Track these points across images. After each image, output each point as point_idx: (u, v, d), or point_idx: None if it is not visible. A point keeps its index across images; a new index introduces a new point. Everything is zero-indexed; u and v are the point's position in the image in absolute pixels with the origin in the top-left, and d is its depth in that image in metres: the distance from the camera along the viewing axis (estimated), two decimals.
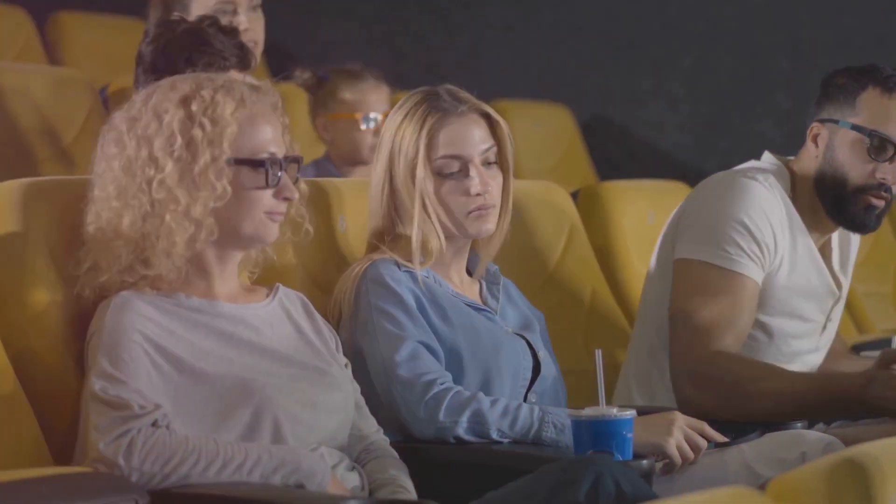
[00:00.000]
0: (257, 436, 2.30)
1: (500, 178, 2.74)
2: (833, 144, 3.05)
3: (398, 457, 2.50)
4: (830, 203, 3.05)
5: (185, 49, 3.00)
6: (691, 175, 3.89)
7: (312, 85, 4.15)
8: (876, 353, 3.01)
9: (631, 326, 3.34)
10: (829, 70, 3.12)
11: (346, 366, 2.53)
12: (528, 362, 2.74)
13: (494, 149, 2.74)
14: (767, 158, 3.14)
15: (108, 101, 3.68)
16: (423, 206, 2.68)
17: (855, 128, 3.02)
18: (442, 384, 2.57)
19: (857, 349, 3.66)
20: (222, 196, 2.34)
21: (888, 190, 3.02)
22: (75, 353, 2.37)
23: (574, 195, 3.70)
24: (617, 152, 5.84)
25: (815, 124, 3.08)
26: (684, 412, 2.64)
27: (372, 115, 4.05)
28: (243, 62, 3.05)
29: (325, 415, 2.39)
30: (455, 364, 2.65)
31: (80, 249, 2.38)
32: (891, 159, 3.01)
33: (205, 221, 2.34)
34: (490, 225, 2.72)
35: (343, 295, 2.68)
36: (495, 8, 5.95)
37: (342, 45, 5.88)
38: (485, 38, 5.95)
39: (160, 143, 2.34)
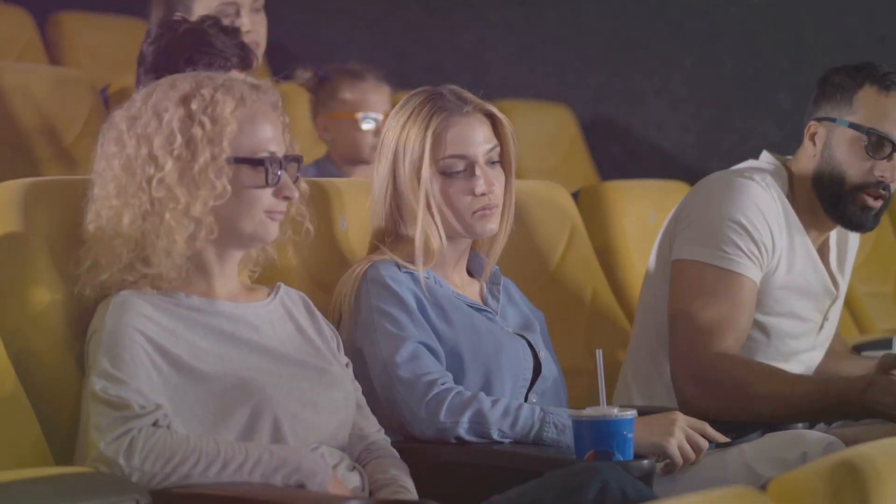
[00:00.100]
0: (256, 435, 2.30)
1: (503, 178, 2.74)
2: (831, 143, 3.05)
3: (399, 457, 2.49)
4: (828, 202, 3.05)
5: (187, 49, 3.00)
6: (693, 175, 3.88)
7: (313, 85, 4.15)
8: (877, 353, 3.02)
9: (631, 326, 3.34)
10: None
11: (347, 365, 2.53)
12: (529, 362, 2.74)
13: (498, 149, 2.74)
14: (765, 158, 3.14)
15: (109, 102, 3.69)
16: (428, 205, 2.68)
17: (852, 126, 3.02)
18: (443, 384, 2.57)
19: (858, 349, 3.66)
20: (222, 195, 2.34)
21: (886, 188, 3.02)
22: (76, 353, 2.37)
23: (575, 195, 3.70)
24: (618, 152, 5.84)
25: (812, 123, 3.08)
26: (685, 413, 2.64)
27: (372, 114, 4.05)
28: (245, 62, 3.05)
29: (325, 414, 2.39)
30: (456, 365, 2.65)
31: (80, 248, 2.38)
32: (889, 157, 3.01)
33: (204, 220, 2.34)
34: (494, 225, 2.72)
35: (343, 296, 2.68)
36: (497, 8, 5.94)
37: (344, 45, 5.88)
38: (487, 38, 5.94)
39: (160, 142, 2.34)
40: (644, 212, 3.81)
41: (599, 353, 2.47)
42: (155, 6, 3.57)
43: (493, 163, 2.73)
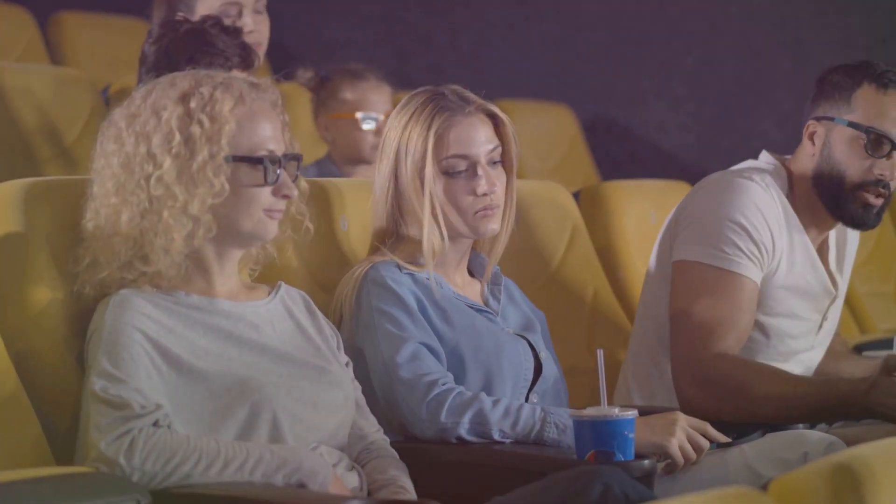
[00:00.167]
0: (255, 434, 2.29)
1: (504, 178, 2.74)
2: (830, 142, 3.05)
3: (398, 457, 2.49)
4: (829, 201, 3.05)
5: (188, 49, 3.00)
6: (693, 175, 3.88)
7: (314, 84, 4.15)
8: (877, 353, 3.02)
9: (632, 326, 3.34)
10: None
11: (347, 364, 2.53)
12: (530, 363, 2.74)
13: (500, 149, 2.73)
14: (765, 158, 3.14)
15: (110, 102, 3.68)
16: (431, 205, 2.68)
17: (851, 125, 3.02)
18: (444, 385, 2.57)
19: (858, 349, 3.66)
20: (220, 193, 2.34)
21: (886, 186, 3.02)
22: (77, 353, 2.37)
23: (576, 195, 3.70)
24: (619, 152, 5.84)
25: (811, 122, 3.08)
26: (686, 413, 2.63)
27: (373, 114, 4.05)
28: (246, 63, 3.05)
29: (325, 413, 2.38)
30: (457, 365, 2.65)
31: (79, 246, 2.38)
32: (888, 155, 3.00)
33: (203, 218, 2.34)
34: (495, 225, 2.72)
35: (344, 297, 2.68)
36: (498, 8, 5.95)
37: (345, 45, 5.88)
38: (487, 38, 5.94)
39: (158, 140, 2.34)
40: (644, 212, 3.81)
41: (600, 353, 2.46)
42: (157, 6, 3.56)
43: (495, 163, 2.73)
